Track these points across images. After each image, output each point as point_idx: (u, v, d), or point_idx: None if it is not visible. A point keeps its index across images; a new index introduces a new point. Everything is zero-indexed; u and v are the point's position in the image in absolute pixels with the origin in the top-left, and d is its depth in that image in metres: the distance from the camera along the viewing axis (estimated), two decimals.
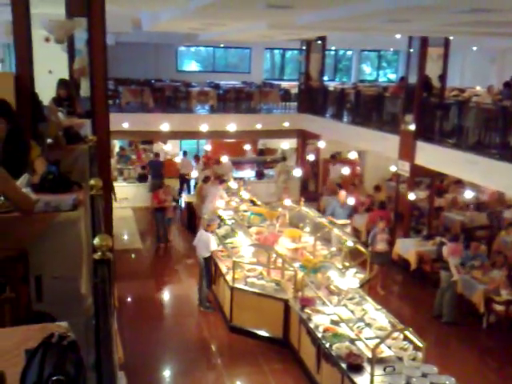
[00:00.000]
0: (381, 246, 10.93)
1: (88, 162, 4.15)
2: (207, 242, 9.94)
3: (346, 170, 15.58)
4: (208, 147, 19.76)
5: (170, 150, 19.02)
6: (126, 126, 15.42)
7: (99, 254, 1.93)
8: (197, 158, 17.60)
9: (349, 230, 11.87)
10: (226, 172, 16.41)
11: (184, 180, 17.20)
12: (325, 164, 18.05)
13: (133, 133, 16.47)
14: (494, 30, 10.57)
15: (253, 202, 13.32)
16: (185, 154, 17.62)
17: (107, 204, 5.57)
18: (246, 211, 12.54)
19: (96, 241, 1.96)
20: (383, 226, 11.06)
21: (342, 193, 12.63)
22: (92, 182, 3.26)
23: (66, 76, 7.25)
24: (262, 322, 9.11)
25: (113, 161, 17.74)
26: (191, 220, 14.73)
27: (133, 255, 12.98)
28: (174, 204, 14.15)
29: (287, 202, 12.48)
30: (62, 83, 6.48)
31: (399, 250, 12.27)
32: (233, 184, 14.67)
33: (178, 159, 17.59)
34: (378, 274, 11.05)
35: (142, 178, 17.43)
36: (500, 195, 14.16)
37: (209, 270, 10.14)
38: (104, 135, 6.32)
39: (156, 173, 16.59)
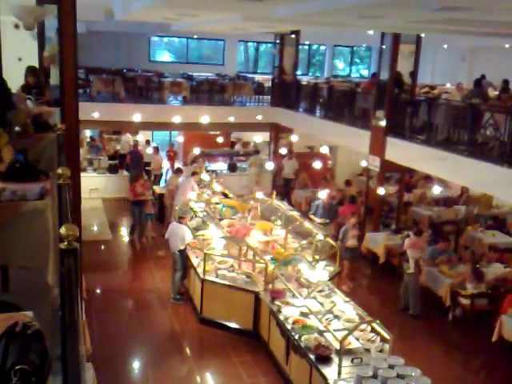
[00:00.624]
0: (351, 242, 11.01)
1: (56, 151, 4.07)
2: (182, 234, 9.88)
3: (318, 164, 15.67)
4: (180, 139, 19.63)
5: (142, 140, 18.81)
6: (96, 115, 15.20)
7: (65, 243, 1.90)
8: (156, 149, 17.41)
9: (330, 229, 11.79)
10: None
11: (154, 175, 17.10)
12: (298, 158, 18.12)
13: (103, 123, 16.25)
14: (463, 29, 10.74)
15: (225, 195, 13.30)
16: (157, 150, 17.42)
17: (75, 194, 5.49)
18: (217, 204, 12.51)
19: (62, 230, 1.94)
20: (354, 222, 11.12)
21: (326, 194, 12.60)
22: (60, 171, 3.21)
23: (36, 63, 7.10)
24: (232, 314, 9.14)
25: (82, 151, 17.50)
26: (161, 212, 14.63)
27: (102, 246, 12.85)
28: (152, 198, 13.63)
29: (259, 194, 12.49)
30: (31, 71, 6.34)
31: (368, 244, 12.44)
32: (205, 176, 14.63)
33: (150, 150, 17.44)
34: (348, 269, 11.13)
35: (112, 169, 17.23)
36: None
37: (184, 262, 10.10)
38: (73, 124, 6.22)
39: (136, 163, 16.51)
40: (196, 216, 11.75)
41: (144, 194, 13.02)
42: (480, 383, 8.47)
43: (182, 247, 9.97)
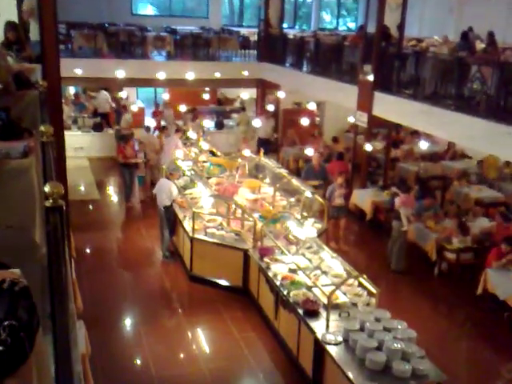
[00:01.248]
0: (338, 201, 10.96)
1: (39, 109, 3.99)
2: (169, 189, 9.86)
3: (305, 121, 15.57)
4: (166, 96, 19.34)
5: (126, 97, 18.51)
6: (79, 72, 14.86)
7: (50, 201, 1.87)
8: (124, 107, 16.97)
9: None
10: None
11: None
12: (284, 115, 18.00)
13: (86, 79, 15.91)
14: None
15: (212, 153, 13.23)
16: (124, 108, 17.01)
17: (59, 152, 5.42)
18: (205, 162, 12.46)
19: (47, 188, 1.90)
20: (341, 181, 11.03)
21: (315, 155, 12.22)
22: (42, 128, 3.15)
23: (15, 18, 6.86)
24: (221, 272, 9.23)
25: (66, 108, 17.21)
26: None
27: (90, 206, 12.79)
28: (144, 160, 13.37)
29: (247, 152, 12.44)
30: (10, 26, 6.13)
31: (356, 201, 12.53)
32: (192, 134, 14.50)
33: (135, 108, 17.20)
34: (334, 228, 11.16)
35: (97, 127, 17.00)
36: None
37: (171, 219, 10.11)
38: (55, 81, 6.08)
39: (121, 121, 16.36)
40: (184, 175, 11.70)
41: (135, 157, 12.83)
42: (464, 335, 8.71)
43: (168, 203, 9.94)
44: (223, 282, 9.25)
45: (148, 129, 14.35)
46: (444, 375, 6.03)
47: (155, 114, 17.56)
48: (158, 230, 10.40)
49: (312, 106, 17.35)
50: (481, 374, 7.49)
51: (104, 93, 18.35)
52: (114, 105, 18.00)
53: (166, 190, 9.90)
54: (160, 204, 10.10)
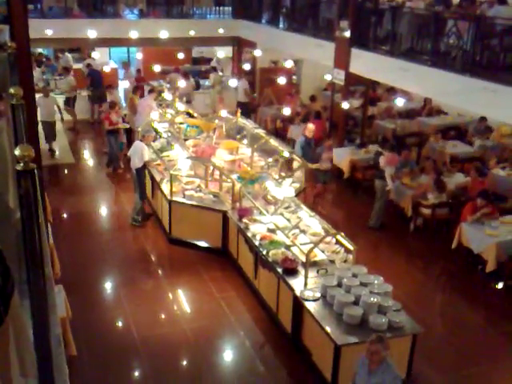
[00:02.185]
0: (326, 165, 10.93)
1: (8, 71, 3.93)
2: (141, 151, 9.83)
3: (282, 80, 15.45)
4: (139, 56, 18.95)
5: (100, 58, 18.08)
6: (49, 33, 14.47)
7: (22, 164, 1.86)
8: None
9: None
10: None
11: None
12: (261, 74, 17.82)
13: (57, 40, 15.50)
14: None
15: (189, 114, 13.13)
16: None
17: (30, 115, 5.34)
18: (181, 123, 12.36)
19: (17, 151, 1.90)
20: (329, 144, 10.99)
21: (310, 126, 11.02)
22: (12, 90, 3.11)
23: None
24: (201, 234, 9.32)
25: (38, 70, 16.82)
26: (128, 134, 14.35)
27: (66, 170, 12.68)
28: (125, 126, 13.13)
29: (223, 113, 12.39)
30: None
31: (333, 159, 12.59)
32: (167, 95, 14.33)
33: (108, 68, 16.85)
34: (322, 192, 11.21)
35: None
36: None
37: (141, 182, 10.07)
38: (24, 42, 5.95)
39: (96, 83, 16.04)
40: (160, 137, 11.62)
41: (119, 122, 12.66)
42: (440, 288, 9.00)
43: (139, 165, 9.89)
44: (203, 244, 9.35)
45: (136, 90, 14.11)
46: (419, 327, 6.27)
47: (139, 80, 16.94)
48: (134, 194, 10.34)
49: (289, 64, 17.19)
50: (455, 325, 7.78)
51: (67, 55, 17.94)
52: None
53: (139, 153, 9.85)
54: (132, 166, 10.07)
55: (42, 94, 12.90)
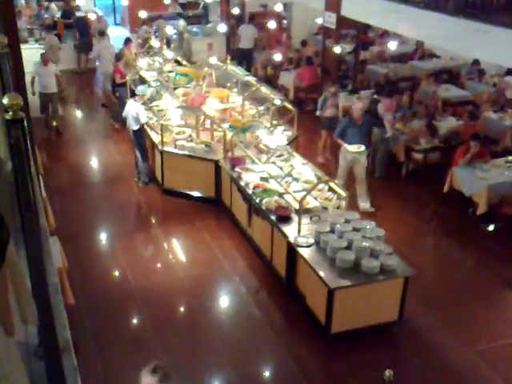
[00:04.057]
0: (331, 111, 10.83)
1: None
2: (136, 113, 9.46)
3: (272, 24, 15.13)
4: (125, 2, 18.39)
5: (85, 5, 17.61)
6: None
7: (11, 113, 1.85)
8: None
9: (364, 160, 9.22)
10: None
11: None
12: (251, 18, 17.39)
13: None
14: None
15: (177, 62, 12.91)
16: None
17: (16, 64, 5.23)
18: (170, 72, 12.19)
19: (5, 100, 1.87)
20: (334, 91, 10.82)
21: (358, 106, 9.26)
22: None
23: None
24: (194, 183, 9.35)
25: (23, 19, 16.37)
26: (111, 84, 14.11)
27: (54, 122, 12.52)
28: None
29: (213, 60, 12.18)
30: None
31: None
32: (155, 43, 14.03)
33: (93, 16, 16.40)
34: (327, 140, 11.17)
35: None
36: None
37: (140, 144, 9.79)
38: None
39: (83, 31, 15.77)
40: (149, 86, 11.46)
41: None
42: (431, 231, 9.16)
43: (135, 127, 9.58)
44: (196, 194, 9.39)
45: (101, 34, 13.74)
46: (411, 270, 6.41)
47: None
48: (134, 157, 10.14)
49: (279, 8, 16.78)
50: (447, 267, 7.95)
51: (52, 6, 17.44)
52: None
53: (134, 114, 9.50)
54: (129, 128, 9.81)
55: (40, 63, 11.64)
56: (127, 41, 13.51)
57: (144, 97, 9.94)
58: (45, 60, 11.72)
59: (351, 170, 9.21)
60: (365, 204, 9.13)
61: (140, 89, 9.98)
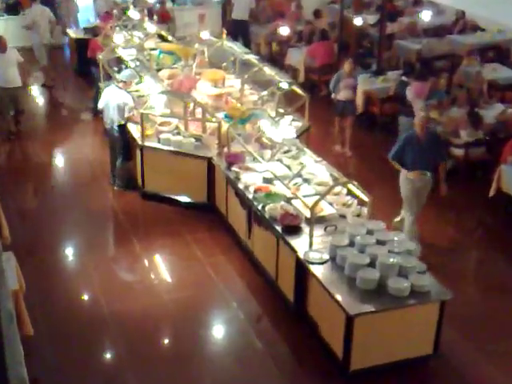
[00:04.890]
0: (345, 94, 10.87)
1: None
2: (124, 104, 9.41)
3: None
4: None
5: None
6: None
7: None
8: None
9: None
10: None
11: None
12: None
13: None
14: None
15: (162, 38, 12.97)
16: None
17: None
18: (153, 49, 12.24)
19: None
20: (350, 69, 10.86)
21: (421, 117, 8.41)
22: None
23: None
24: (181, 186, 9.36)
25: None
26: (82, 62, 14.14)
27: (11, 112, 12.56)
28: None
29: (205, 35, 12.22)
30: None
31: None
32: (133, 13, 14.08)
33: None
34: (339, 127, 11.23)
35: (11, 9, 16.37)
36: None
37: (125, 141, 9.79)
38: None
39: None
40: (127, 67, 11.50)
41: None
42: (474, 244, 9.11)
43: (122, 121, 9.57)
44: (184, 199, 9.41)
45: None
46: (449, 292, 6.39)
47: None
48: (109, 155, 10.10)
49: None
50: (492, 290, 7.91)
51: None
52: None
53: (121, 105, 9.42)
54: (109, 123, 9.67)
55: None
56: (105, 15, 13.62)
57: (131, 83, 9.96)
58: (2, 45, 11.21)
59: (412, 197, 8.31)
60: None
61: (126, 73, 9.98)
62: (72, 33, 15.44)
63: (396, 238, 6.82)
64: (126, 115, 9.52)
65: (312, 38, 14.33)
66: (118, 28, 13.31)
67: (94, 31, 12.56)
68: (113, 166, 10.02)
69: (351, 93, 10.96)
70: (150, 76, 10.64)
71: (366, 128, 12.15)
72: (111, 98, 9.57)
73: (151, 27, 13.23)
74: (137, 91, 10.67)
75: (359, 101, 12.07)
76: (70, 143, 11.93)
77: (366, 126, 12.20)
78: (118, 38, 12.40)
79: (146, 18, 13.74)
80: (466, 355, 6.79)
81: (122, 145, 9.82)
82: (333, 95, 11.17)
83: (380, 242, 6.69)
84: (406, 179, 8.15)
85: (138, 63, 11.39)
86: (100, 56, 11.55)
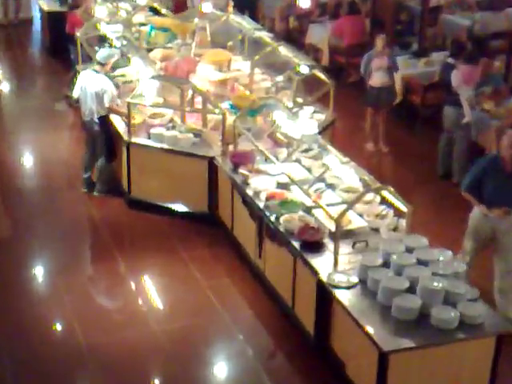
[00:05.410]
0: (379, 79, 10.94)
1: None
2: (103, 91, 9.42)
3: None
4: None
5: None
6: None
7: None
8: None
9: None
10: None
11: None
12: None
13: None
14: None
15: (154, 11, 13.03)
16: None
17: None
18: (143, 25, 12.30)
19: None
20: (382, 46, 10.92)
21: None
22: None
23: None
24: (176, 192, 9.39)
25: None
26: (57, 40, 14.21)
27: None
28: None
29: (207, 7, 12.26)
30: None
31: None
32: None
33: None
34: (371, 120, 11.31)
35: None
36: None
37: (108, 136, 9.84)
38: None
39: None
40: (111, 46, 11.56)
41: None
42: None
43: (103, 112, 9.62)
44: (179, 208, 9.44)
45: None
46: (507, 324, 6.37)
47: None
48: (86, 153, 10.17)
49: None
50: None
51: None
52: None
53: (99, 92, 9.43)
54: (89, 114, 9.69)
55: None
56: None
57: (109, 65, 9.95)
58: None
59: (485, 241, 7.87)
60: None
61: (103, 53, 9.93)
62: (44, 4, 15.55)
63: (441, 258, 6.79)
64: (107, 105, 9.53)
65: (338, 12, 14.35)
66: None
67: (73, 2, 12.60)
68: (87, 167, 10.09)
69: (387, 77, 10.98)
70: (139, 57, 10.68)
71: (405, 121, 12.14)
72: (88, 85, 9.61)
73: None
74: (123, 76, 10.73)
75: (398, 88, 12.04)
76: (40, 139, 11.96)
77: (404, 118, 12.18)
78: (101, 10, 12.48)
79: None
80: None
81: (104, 141, 9.84)
82: (368, 80, 11.14)
83: (422, 262, 6.65)
84: (483, 217, 7.60)
85: (124, 42, 11.44)
86: (78, 33, 11.61)
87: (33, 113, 12.95)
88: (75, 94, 9.92)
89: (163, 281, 8.46)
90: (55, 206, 9.94)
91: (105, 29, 12.01)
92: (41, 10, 15.83)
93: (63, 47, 12.89)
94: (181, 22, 11.86)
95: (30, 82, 14.24)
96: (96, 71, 9.63)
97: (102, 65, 9.70)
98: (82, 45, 11.49)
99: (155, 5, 13.08)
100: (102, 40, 11.84)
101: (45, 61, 15.02)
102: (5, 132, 12.12)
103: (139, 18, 12.60)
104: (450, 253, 6.90)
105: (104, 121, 9.73)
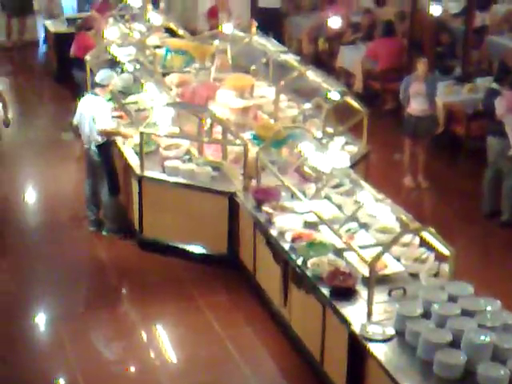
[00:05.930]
0: (418, 106, 10.97)
1: None
2: (97, 113, 9.49)
3: None
4: None
5: None
6: None
7: None
8: None
9: None
10: None
11: None
12: None
13: None
14: None
15: (170, 32, 13.13)
16: None
17: None
18: (158, 47, 12.40)
19: None
20: (424, 70, 10.97)
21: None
22: None
23: None
24: (192, 232, 9.40)
25: None
26: (64, 64, 14.37)
27: None
28: None
29: (228, 28, 12.34)
30: None
31: None
32: (133, 1, 14.29)
33: None
34: (410, 152, 11.28)
35: None
36: None
37: (109, 165, 9.88)
38: None
39: None
40: (123, 71, 11.65)
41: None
42: None
43: (99, 140, 9.66)
44: (196, 249, 9.44)
45: None
46: None
47: None
48: (86, 183, 10.23)
49: None
50: None
51: None
52: None
53: (94, 117, 9.49)
54: (87, 142, 9.80)
55: None
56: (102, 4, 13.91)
57: (108, 87, 10.03)
58: None
59: None
60: None
61: (103, 74, 9.98)
62: (50, 25, 15.75)
63: (489, 308, 6.71)
64: (98, 128, 9.50)
65: (373, 33, 14.40)
66: (111, 19, 13.53)
67: (84, 23, 12.75)
68: (89, 200, 10.13)
69: (426, 104, 10.96)
70: (154, 83, 10.73)
71: (447, 153, 12.09)
72: (85, 110, 9.71)
73: (156, 18, 13.39)
74: (135, 103, 10.78)
75: (439, 116, 12.02)
76: (45, 171, 12.08)
77: (446, 150, 12.14)
78: (112, 32, 12.60)
79: (150, 6, 13.92)
80: None
81: (105, 172, 9.87)
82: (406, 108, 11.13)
83: (466, 313, 6.58)
84: None
85: (137, 66, 11.51)
86: (87, 57, 11.71)
87: (37, 143, 13.09)
88: (75, 120, 10.03)
89: (177, 331, 8.44)
90: (59, 247, 9.96)
91: (116, 52, 12.11)
92: (47, 31, 16.03)
93: (70, 72, 12.98)
94: (199, 44, 11.95)
95: (35, 109, 14.36)
96: (95, 94, 9.74)
97: (102, 87, 9.79)
98: (91, 69, 11.57)
99: (171, 25, 13.18)
100: (114, 64, 11.91)
101: (51, 86, 15.18)
102: (6, 164, 12.18)
103: (154, 39, 12.70)
104: (498, 302, 6.81)
105: (104, 149, 9.77)
